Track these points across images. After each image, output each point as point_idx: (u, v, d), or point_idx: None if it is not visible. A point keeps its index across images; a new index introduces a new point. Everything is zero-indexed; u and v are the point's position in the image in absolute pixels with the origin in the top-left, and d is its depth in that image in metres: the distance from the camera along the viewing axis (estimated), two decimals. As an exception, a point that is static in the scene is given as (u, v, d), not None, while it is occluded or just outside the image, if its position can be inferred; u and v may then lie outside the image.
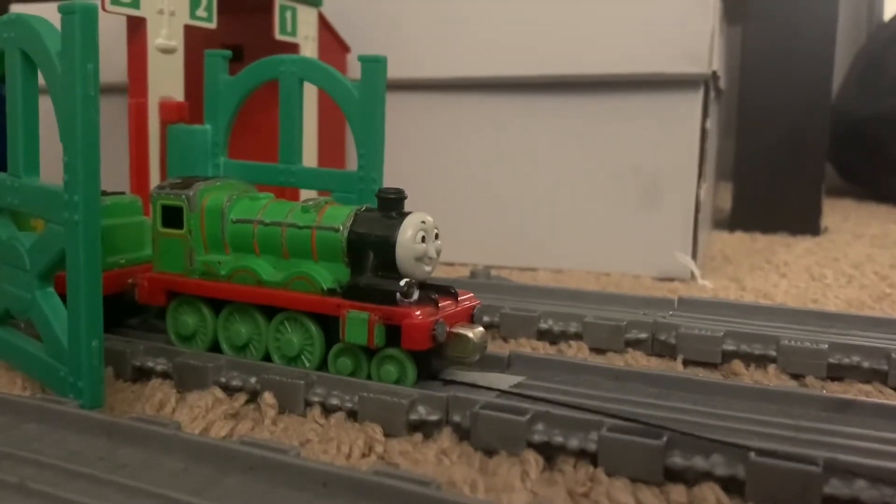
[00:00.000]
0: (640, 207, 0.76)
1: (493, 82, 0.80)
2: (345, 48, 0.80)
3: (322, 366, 0.43)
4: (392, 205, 0.43)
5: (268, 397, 0.40)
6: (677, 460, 0.33)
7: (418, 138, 0.83)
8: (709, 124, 0.76)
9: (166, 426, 0.35)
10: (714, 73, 0.74)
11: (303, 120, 0.58)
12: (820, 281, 0.75)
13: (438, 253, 0.43)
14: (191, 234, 0.46)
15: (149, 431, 0.34)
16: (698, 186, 0.75)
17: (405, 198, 0.44)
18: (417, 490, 0.29)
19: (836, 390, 0.45)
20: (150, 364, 0.45)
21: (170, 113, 0.60)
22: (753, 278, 0.75)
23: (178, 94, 0.62)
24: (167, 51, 0.61)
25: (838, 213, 1.25)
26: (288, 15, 0.71)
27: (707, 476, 0.32)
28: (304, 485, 0.31)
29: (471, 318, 0.43)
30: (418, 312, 0.40)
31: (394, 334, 0.40)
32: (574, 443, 0.34)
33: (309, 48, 0.74)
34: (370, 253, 0.42)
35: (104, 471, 0.32)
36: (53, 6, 0.37)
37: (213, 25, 0.64)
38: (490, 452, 0.36)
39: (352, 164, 0.56)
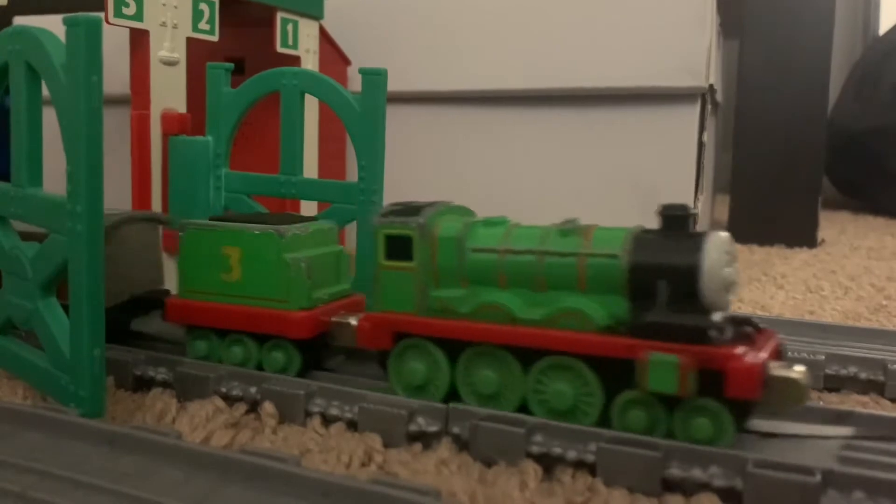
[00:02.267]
0: (637, 220, 0.76)
1: (492, 95, 0.80)
2: (346, 61, 0.81)
3: (602, 420, 0.36)
4: (678, 223, 0.37)
5: (268, 407, 0.41)
6: (675, 471, 0.33)
7: (418, 151, 0.84)
8: (705, 137, 0.77)
9: (167, 435, 0.35)
10: (711, 86, 0.75)
11: (304, 132, 0.58)
12: (817, 293, 0.75)
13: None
14: (422, 267, 0.40)
15: (150, 440, 0.34)
16: (695, 199, 0.76)
17: (694, 214, 0.38)
18: (417, 500, 0.29)
19: (833, 401, 0.45)
20: (150, 373, 0.45)
21: (172, 125, 0.61)
22: (750, 290, 0.75)
23: (180, 105, 0.62)
24: (170, 63, 0.61)
25: (835, 226, 1.26)
26: (289, 28, 0.72)
27: (705, 487, 0.32)
28: (303, 494, 0.31)
29: (780, 356, 0.36)
30: (744, 353, 0.33)
31: (706, 381, 0.34)
32: (572, 454, 0.35)
33: (310, 61, 0.74)
34: (663, 282, 0.35)
35: (105, 480, 0.32)
36: (58, 18, 0.38)
37: (215, 38, 0.65)
38: (489, 463, 0.36)
39: (352, 175, 0.57)
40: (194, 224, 0.47)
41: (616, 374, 0.35)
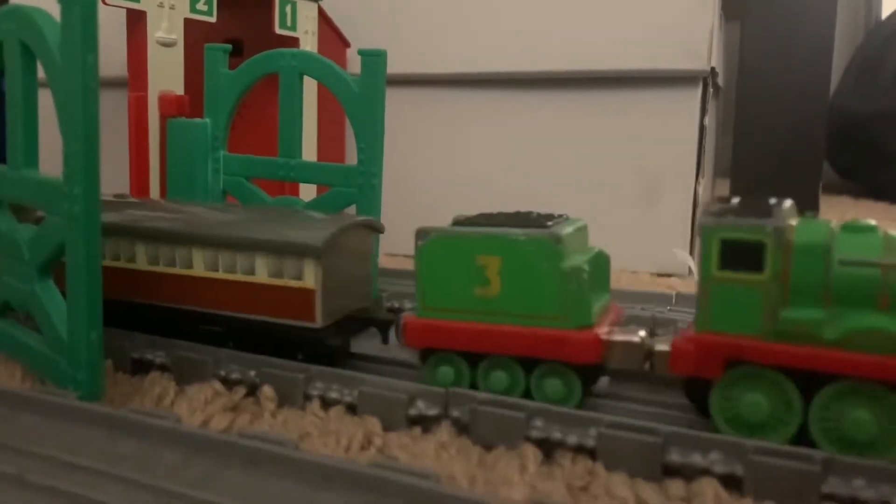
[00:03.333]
0: (638, 203, 0.76)
1: (492, 78, 0.80)
2: (345, 43, 0.80)
3: None
4: None
5: (267, 390, 0.40)
6: (675, 457, 0.33)
7: (418, 134, 0.83)
8: (707, 121, 0.76)
9: (166, 419, 0.35)
10: (713, 69, 0.74)
11: (302, 114, 0.58)
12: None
13: None
14: (773, 281, 0.34)
15: (148, 424, 0.34)
16: (697, 183, 0.75)
17: None
18: (416, 483, 0.29)
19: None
20: (149, 356, 0.45)
21: (169, 107, 0.60)
22: (751, 275, 0.75)
23: (177, 87, 0.62)
24: (167, 44, 0.61)
25: (835, 211, 1.25)
26: (288, 9, 0.71)
27: (705, 473, 0.32)
28: (302, 478, 0.31)
29: None
30: None
31: None
32: (572, 439, 0.35)
33: (309, 42, 0.74)
34: None
35: (103, 463, 0.32)
36: (53, -2, 0.37)
37: (213, 19, 0.64)
38: (489, 446, 0.36)
39: (351, 158, 0.56)
40: (439, 231, 0.40)
41: None
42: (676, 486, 0.32)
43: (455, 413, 0.37)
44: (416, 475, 0.29)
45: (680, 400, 0.38)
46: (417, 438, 0.37)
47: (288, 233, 0.43)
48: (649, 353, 0.37)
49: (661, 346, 0.36)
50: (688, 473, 0.33)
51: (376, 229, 0.48)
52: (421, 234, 0.40)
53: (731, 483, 0.32)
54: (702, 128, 0.75)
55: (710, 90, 0.78)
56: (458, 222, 0.41)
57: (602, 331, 0.37)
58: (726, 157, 1.13)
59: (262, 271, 0.44)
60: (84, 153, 0.36)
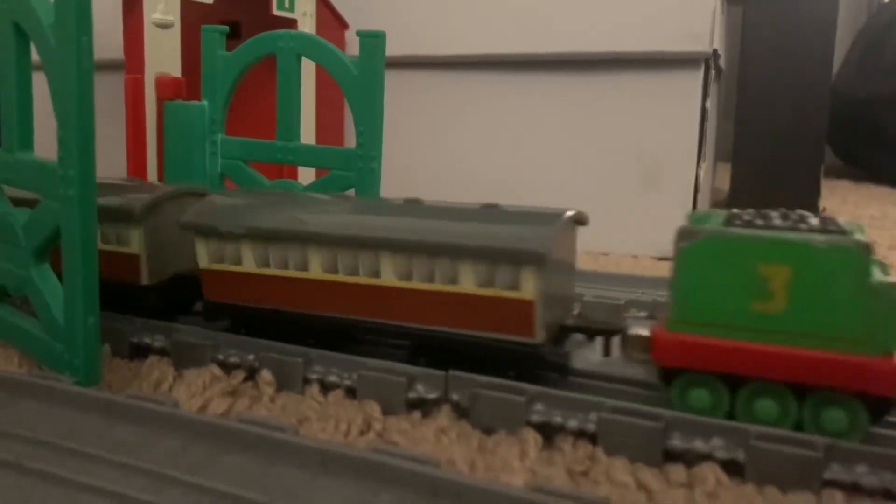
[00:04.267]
0: (639, 187, 0.76)
1: (492, 60, 0.79)
2: (343, 24, 0.80)
3: None
4: None
5: (266, 375, 0.40)
6: (676, 442, 0.33)
7: (418, 117, 0.83)
8: (709, 104, 0.76)
9: (163, 404, 0.34)
10: (715, 51, 0.73)
11: (301, 97, 0.57)
12: (818, 262, 0.75)
13: None
14: None
15: (146, 409, 0.34)
16: (698, 167, 0.75)
17: None
18: (416, 468, 0.29)
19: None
20: (147, 341, 0.44)
21: (166, 89, 0.60)
22: (752, 259, 0.75)
23: (174, 70, 0.61)
24: (164, 26, 0.60)
25: (836, 195, 1.25)
26: (285, -10, 0.70)
27: (707, 458, 0.32)
28: (301, 463, 0.30)
29: None
30: None
31: None
32: (573, 423, 0.34)
33: (307, 24, 0.73)
34: None
35: (101, 448, 0.32)
36: (47, -23, 0.36)
37: (210, 0, 0.64)
38: (489, 431, 0.36)
39: (350, 142, 0.56)
40: (712, 232, 0.34)
41: None
42: (678, 472, 0.32)
43: (455, 397, 0.37)
44: (416, 460, 0.29)
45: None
46: (417, 423, 0.37)
47: (500, 235, 0.38)
48: None
49: None
50: (689, 459, 0.32)
51: (582, 222, 0.41)
52: (686, 233, 0.34)
53: (732, 468, 0.32)
54: (703, 111, 0.75)
55: (712, 73, 0.77)
56: (730, 222, 0.35)
57: None
58: (728, 142, 1.12)
59: (467, 280, 0.38)
60: (79, 135, 0.36)
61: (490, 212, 0.40)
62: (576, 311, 0.43)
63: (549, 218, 0.39)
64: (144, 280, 0.46)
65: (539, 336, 0.38)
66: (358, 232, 0.40)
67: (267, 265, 0.43)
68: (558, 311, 0.40)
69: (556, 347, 0.39)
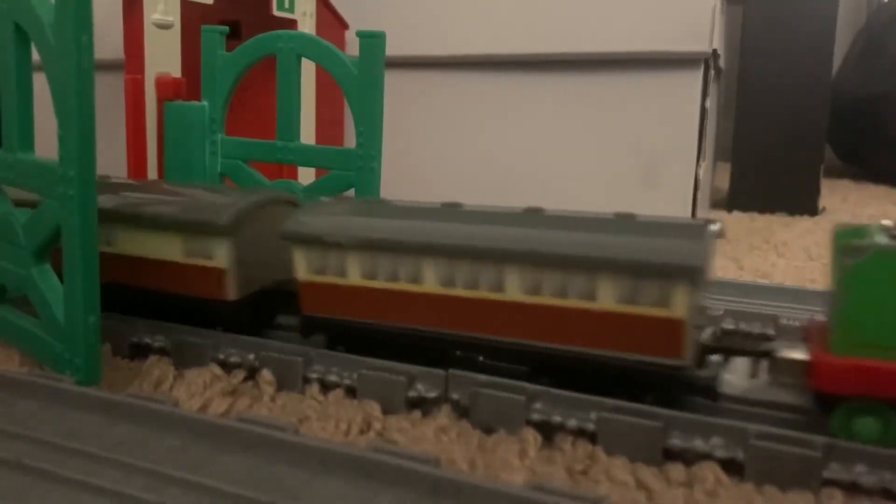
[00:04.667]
0: (639, 186, 0.76)
1: (492, 60, 0.79)
2: (343, 25, 0.80)
3: None
4: None
5: (266, 374, 0.40)
6: (676, 442, 0.33)
7: (418, 116, 0.83)
8: (709, 103, 0.76)
9: (164, 403, 0.34)
10: (714, 51, 0.73)
11: (301, 97, 0.57)
12: (818, 260, 0.75)
13: None
14: None
15: (146, 408, 0.34)
16: (697, 166, 0.75)
17: None
18: (416, 467, 0.29)
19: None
20: (147, 341, 0.44)
21: (167, 89, 0.60)
22: (752, 258, 0.75)
23: (174, 70, 0.61)
24: (164, 26, 0.60)
25: (836, 194, 1.25)
26: (285, -10, 0.70)
27: (706, 458, 0.32)
28: (302, 462, 0.31)
29: None
30: None
31: None
32: (573, 422, 0.34)
33: (307, 24, 0.73)
34: None
35: (101, 448, 0.32)
36: (47, -22, 0.36)
37: (210, 0, 0.64)
38: (489, 430, 0.36)
39: (351, 142, 0.56)
40: (886, 248, 0.31)
41: None
42: (677, 471, 0.32)
43: (455, 396, 0.37)
44: (416, 459, 0.29)
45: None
46: (417, 422, 0.37)
47: (646, 247, 0.35)
48: None
49: None
50: (689, 458, 0.32)
51: (721, 236, 0.38)
52: (854, 250, 0.31)
53: (732, 468, 0.32)
54: (703, 110, 0.75)
55: (712, 72, 0.77)
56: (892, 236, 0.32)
57: None
58: (727, 141, 1.12)
59: (606, 296, 0.36)
60: (79, 135, 0.36)
61: (628, 222, 0.38)
62: (709, 328, 0.40)
63: (695, 229, 0.36)
64: (231, 296, 0.43)
65: (687, 358, 0.35)
66: (480, 243, 0.38)
67: (374, 277, 0.40)
68: (698, 331, 0.37)
69: (701, 369, 0.36)
